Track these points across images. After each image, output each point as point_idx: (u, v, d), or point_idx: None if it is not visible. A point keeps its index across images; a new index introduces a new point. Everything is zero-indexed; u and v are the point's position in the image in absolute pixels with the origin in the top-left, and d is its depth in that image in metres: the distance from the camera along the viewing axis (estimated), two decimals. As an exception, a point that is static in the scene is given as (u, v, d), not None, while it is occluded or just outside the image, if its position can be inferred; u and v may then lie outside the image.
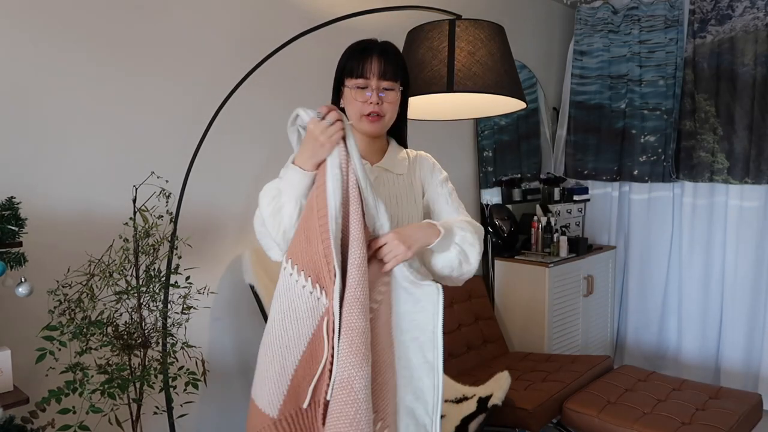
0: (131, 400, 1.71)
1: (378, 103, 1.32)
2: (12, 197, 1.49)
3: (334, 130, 1.18)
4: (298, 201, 1.23)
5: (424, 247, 1.26)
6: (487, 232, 3.20)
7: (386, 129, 1.39)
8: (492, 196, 3.37)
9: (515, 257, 3.19)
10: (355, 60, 1.32)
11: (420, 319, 1.24)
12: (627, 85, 3.57)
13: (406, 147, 1.48)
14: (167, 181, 1.82)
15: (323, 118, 1.19)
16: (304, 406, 1.21)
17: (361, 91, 1.32)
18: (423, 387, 1.24)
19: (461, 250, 1.31)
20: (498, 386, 2.26)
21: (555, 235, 3.24)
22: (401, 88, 1.36)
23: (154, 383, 1.69)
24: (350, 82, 1.33)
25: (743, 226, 3.24)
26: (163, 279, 1.77)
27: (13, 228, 1.44)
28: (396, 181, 1.41)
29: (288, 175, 1.24)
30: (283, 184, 1.25)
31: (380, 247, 1.23)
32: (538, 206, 3.43)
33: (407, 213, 1.39)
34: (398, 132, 1.46)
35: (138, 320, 1.70)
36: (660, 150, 3.46)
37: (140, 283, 1.69)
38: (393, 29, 2.11)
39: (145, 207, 1.72)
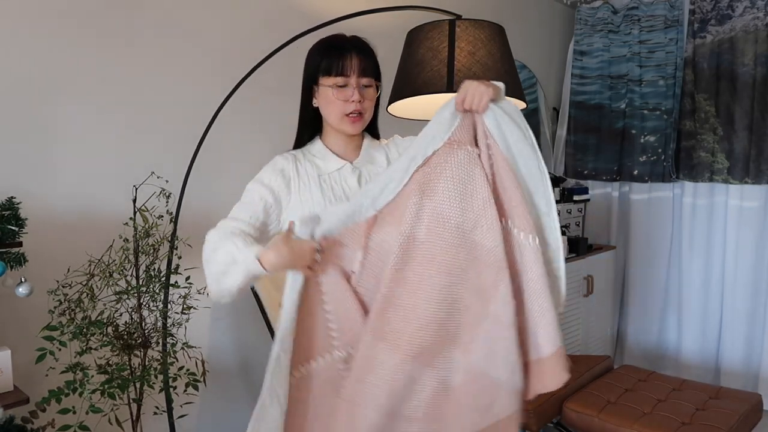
0: (131, 400, 1.71)
1: (360, 101, 1.29)
2: (12, 197, 1.50)
3: (308, 271, 1.16)
4: (244, 285, 1.17)
5: (497, 90, 1.21)
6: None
7: (365, 127, 1.38)
8: (492, 196, 3.35)
9: (515, 257, 3.18)
10: (334, 58, 1.28)
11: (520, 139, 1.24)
12: (627, 85, 3.57)
13: (378, 138, 1.48)
14: (167, 181, 1.82)
15: (319, 251, 1.16)
16: None
17: (341, 90, 1.29)
18: (532, 190, 1.24)
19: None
20: (498, 386, 2.26)
21: (555, 235, 3.24)
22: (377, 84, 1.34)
23: (154, 383, 1.69)
24: (328, 81, 1.29)
25: (743, 226, 3.23)
26: (163, 279, 1.77)
27: (13, 228, 1.44)
28: (380, 171, 1.40)
29: (247, 258, 1.14)
30: (239, 263, 1.15)
31: (463, 101, 1.19)
32: (538, 206, 3.42)
33: None
34: (371, 126, 1.44)
35: (138, 320, 1.70)
36: (660, 150, 3.46)
37: (140, 283, 1.69)
38: (393, 29, 2.11)
39: (145, 207, 1.72)
